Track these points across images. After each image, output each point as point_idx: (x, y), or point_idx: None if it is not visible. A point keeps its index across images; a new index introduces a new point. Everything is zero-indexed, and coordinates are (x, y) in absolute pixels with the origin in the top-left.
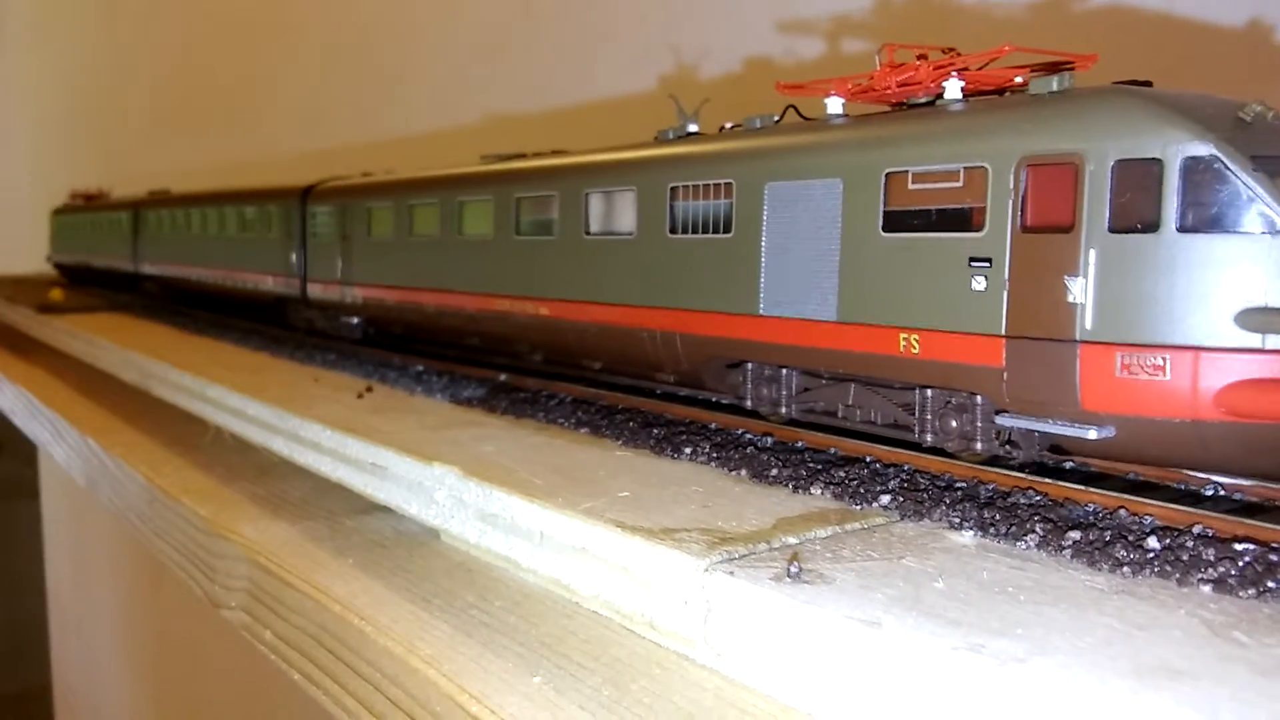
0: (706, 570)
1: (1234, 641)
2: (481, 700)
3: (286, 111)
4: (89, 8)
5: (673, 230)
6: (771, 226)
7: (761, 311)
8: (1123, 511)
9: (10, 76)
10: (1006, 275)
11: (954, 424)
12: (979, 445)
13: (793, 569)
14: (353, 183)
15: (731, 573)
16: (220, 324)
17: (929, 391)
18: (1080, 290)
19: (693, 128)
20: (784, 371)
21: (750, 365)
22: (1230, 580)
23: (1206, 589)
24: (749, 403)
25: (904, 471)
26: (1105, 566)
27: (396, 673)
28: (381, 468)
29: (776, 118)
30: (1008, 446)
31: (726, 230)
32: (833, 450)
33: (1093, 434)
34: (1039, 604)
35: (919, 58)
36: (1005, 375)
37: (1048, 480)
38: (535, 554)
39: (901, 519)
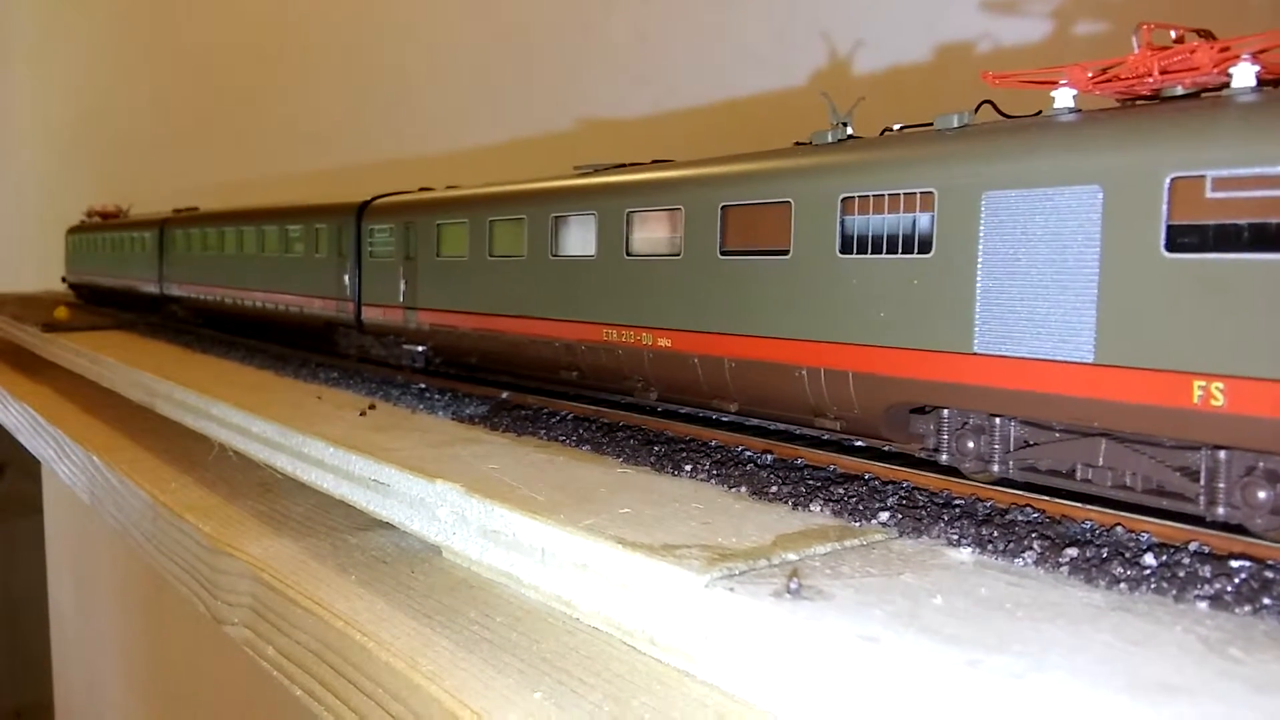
0: (707, 586)
1: (1230, 658)
2: (483, 716)
3: (301, 128)
4: (96, 25)
5: (845, 249)
6: (991, 244)
7: (976, 349)
8: (1119, 528)
9: (16, 95)
10: None
11: (1263, 495)
12: None
13: (792, 585)
14: (418, 198)
15: (731, 589)
16: (225, 342)
17: (1223, 454)
18: None
19: (849, 130)
20: (997, 421)
21: (948, 413)
22: (1226, 597)
23: (1203, 605)
24: (944, 457)
25: (902, 489)
26: (1102, 583)
27: (398, 689)
28: (384, 485)
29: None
30: None
31: (924, 250)
32: (832, 468)
33: None
34: (1036, 620)
35: (1176, 40)
36: None
37: (1045, 497)
38: (537, 570)
39: (900, 536)
